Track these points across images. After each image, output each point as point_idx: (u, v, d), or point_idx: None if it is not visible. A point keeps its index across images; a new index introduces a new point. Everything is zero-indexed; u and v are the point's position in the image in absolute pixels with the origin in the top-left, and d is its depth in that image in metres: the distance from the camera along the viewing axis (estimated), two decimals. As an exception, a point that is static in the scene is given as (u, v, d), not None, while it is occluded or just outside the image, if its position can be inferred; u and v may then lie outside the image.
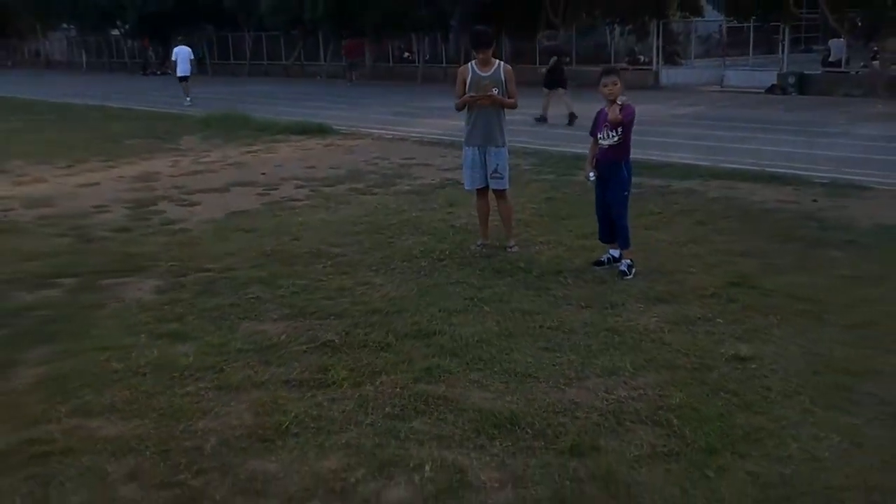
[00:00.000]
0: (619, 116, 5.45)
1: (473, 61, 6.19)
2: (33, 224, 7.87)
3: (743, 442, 3.37)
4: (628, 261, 5.64)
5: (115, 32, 45.59)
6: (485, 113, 6.13)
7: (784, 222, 7.10)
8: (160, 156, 12.16)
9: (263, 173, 10.29)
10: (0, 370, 4.29)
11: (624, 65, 25.50)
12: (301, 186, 9.37)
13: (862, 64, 20.01)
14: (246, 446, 3.45)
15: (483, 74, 6.10)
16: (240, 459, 3.34)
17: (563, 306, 5.09)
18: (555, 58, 15.60)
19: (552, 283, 5.53)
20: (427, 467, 3.22)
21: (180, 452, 3.40)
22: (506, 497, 3.04)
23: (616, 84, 5.47)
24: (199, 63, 39.04)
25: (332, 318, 4.94)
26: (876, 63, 19.22)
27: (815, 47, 29.18)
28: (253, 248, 6.65)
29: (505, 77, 6.11)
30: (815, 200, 7.86)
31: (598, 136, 5.67)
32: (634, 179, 7.56)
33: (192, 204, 8.60)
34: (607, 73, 5.52)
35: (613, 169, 5.66)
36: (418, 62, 30.02)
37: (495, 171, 6.22)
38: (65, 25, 49.55)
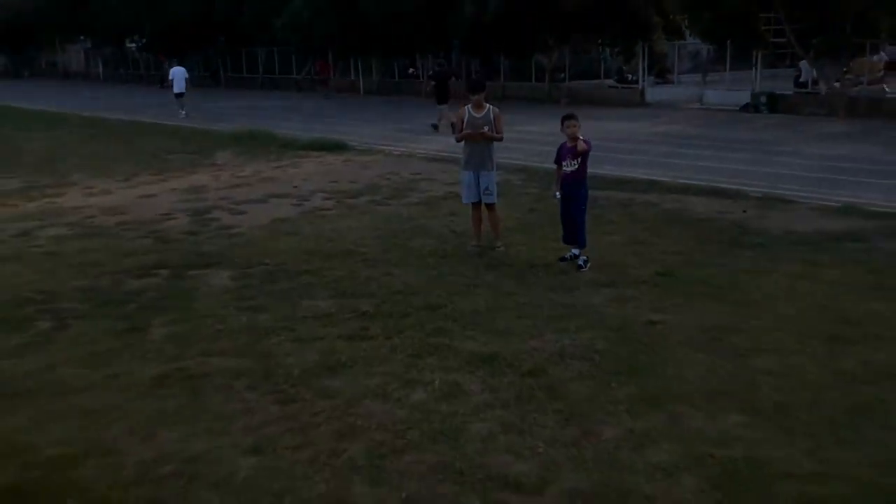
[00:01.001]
0: (585, 147, 7.33)
1: (469, 105, 8.09)
2: (116, 229, 9.77)
3: (639, 369, 5.25)
4: (584, 257, 7.52)
5: (132, 45, 47.66)
6: (478, 145, 8.03)
7: (714, 228, 9.00)
8: (202, 170, 14.09)
9: (295, 186, 12.20)
10: (139, 329, 6.19)
11: (612, 83, 27.52)
12: (328, 198, 11.28)
13: (827, 86, 21.86)
14: (319, 372, 5.33)
15: (477, 116, 8.00)
16: (316, 379, 5.22)
17: (535, 289, 6.97)
18: (433, 83, 19.93)
19: (528, 273, 7.42)
20: (436, 383, 5.10)
21: (278, 376, 5.28)
22: (485, 398, 4.91)
23: (575, 126, 7.38)
24: (213, 76, 41.15)
25: (365, 297, 6.82)
26: (838, 84, 21.09)
27: (800, 63, 31.09)
28: (298, 247, 8.55)
29: (493, 118, 8.01)
30: (744, 211, 9.75)
31: (563, 164, 7.56)
32: (603, 192, 9.53)
33: (240, 212, 10.50)
34: (568, 118, 7.42)
35: (574, 188, 7.54)
36: (422, 77, 31.93)
37: (486, 189, 8.12)
38: (82, 38, 51.57)
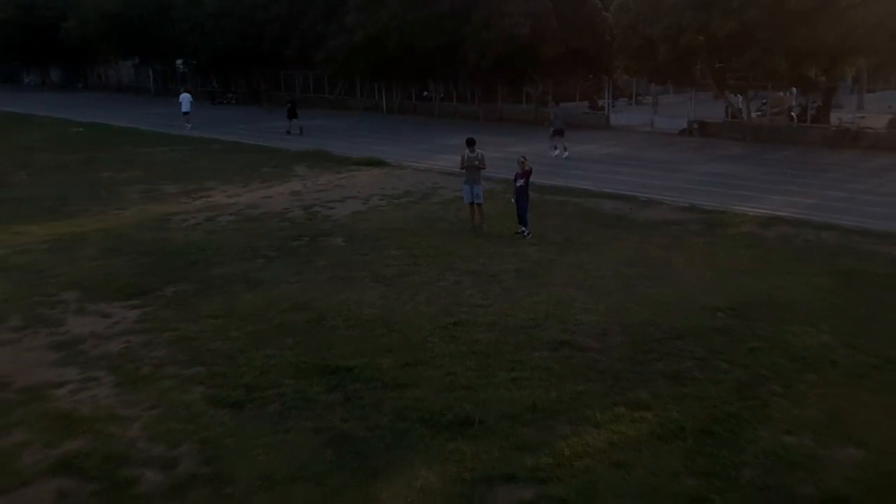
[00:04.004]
0: (520, 182, 14.24)
1: (467, 149, 14.99)
2: (261, 217, 16.67)
3: (539, 275, 12.13)
4: (527, 232, 14.39)
5: (179, 64, 54.68)
6: (472, 171, 14.93)
7: (607, 218, 15.88)
8: (291, 180, 21.02)
9: (358, 191, 19.10)
10: (308, 262, 13.11)
11: (586, 109, 34.43)
12: (381, 199, 18.18)
13: (738, 115, 28.69)
14: (398, 276, 12.20)
15: (472, 155, 14.92)
16: (398, 278, 12.09)
17: (499, 246, 13.84)
18: (289, 104, 32.30)
19: (497, 239, 14.30)
20: (451, 280, 11.98)
21: (382, 277, 12.17)
22: (470, 284, 11.78)
23: (523, 162, 14.29)
24: (255, 94, 48.05)
25: (414, 249, 13.70)
26: (755, 114, 27.91)
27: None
28: (373, 227, 15.44)
29: (481, 157, 14.92)
30: (630, 209, 16.62)
31: (516, 182, 14.45)
32: (551, 197, 16.38)
33: (331, 208, 17.39)
34: (520, 158, 14.34)
35: (521, 195, 14.43)
36: (435, 100, 38.88)
37: (477, 195, 15.00)
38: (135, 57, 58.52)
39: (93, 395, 8.30)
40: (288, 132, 31.22)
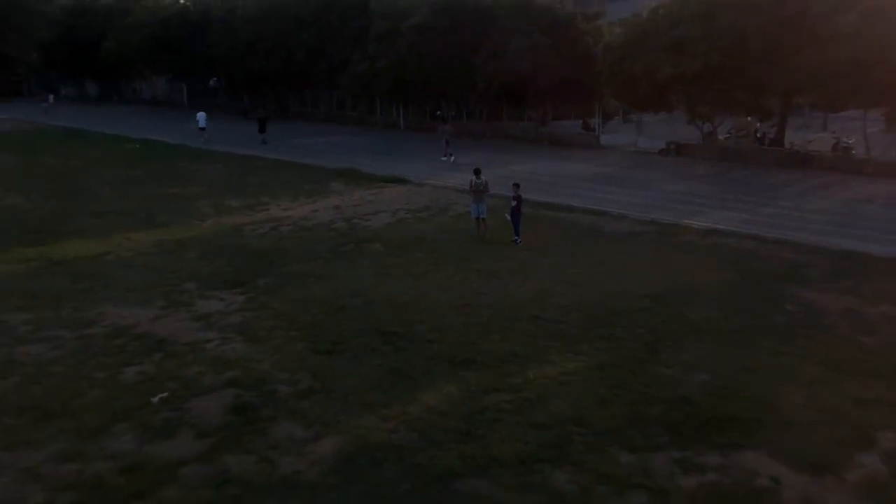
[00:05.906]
0: (515, 203, 18.87)
1: (474, 176, 19.62)
2: (313, 227, 21.32)
3: (527, 271, 16.73)
4: (520, 240, 18.99)
5: (214, 83, 59.54)
6: (479, 193, 19.55)
7: (583, 229, 20.46)
8: (330, 195, 25.68)
9: (387, 206, 23.72)
10: (354, 262, 17.76)
11: (581, 130, 39.05)
12: (407, 213, 22.81)
13: (707, 138, 33.17)
14: (424, 272, 16.81)
15: (478, 181, 19.55)
16: (424, 274, 16.69)
17: (498, 251, 18.44)
18: (260, 119, 39.64)
19: (497, 246, 18.90)
20: (462, 275, 16.60)
21: (413, 272, 16.79)
22: (475, 278, 16.40)
23: (516, 189, 18.91)
24: (284, 109, 52.77)
25: (436, 251, 18.31)
26: (724, 137, 32.43)
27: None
28: (401, 235, 20.06)
29: (485, 182, 19.54)
30: (603, 222, 21.18)
31: (512, 202, 19.06)
32: (544, 212, 21.14)
33: (367, 220, 22.02)
34: (514, 184, 18.97)
35: (515, 211, 19.04)
36: (447, 119, 43.51)
37: (482, 211, 19.61)
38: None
39: (232, 347, 12.95)
40: (263, 142, 38.56)
